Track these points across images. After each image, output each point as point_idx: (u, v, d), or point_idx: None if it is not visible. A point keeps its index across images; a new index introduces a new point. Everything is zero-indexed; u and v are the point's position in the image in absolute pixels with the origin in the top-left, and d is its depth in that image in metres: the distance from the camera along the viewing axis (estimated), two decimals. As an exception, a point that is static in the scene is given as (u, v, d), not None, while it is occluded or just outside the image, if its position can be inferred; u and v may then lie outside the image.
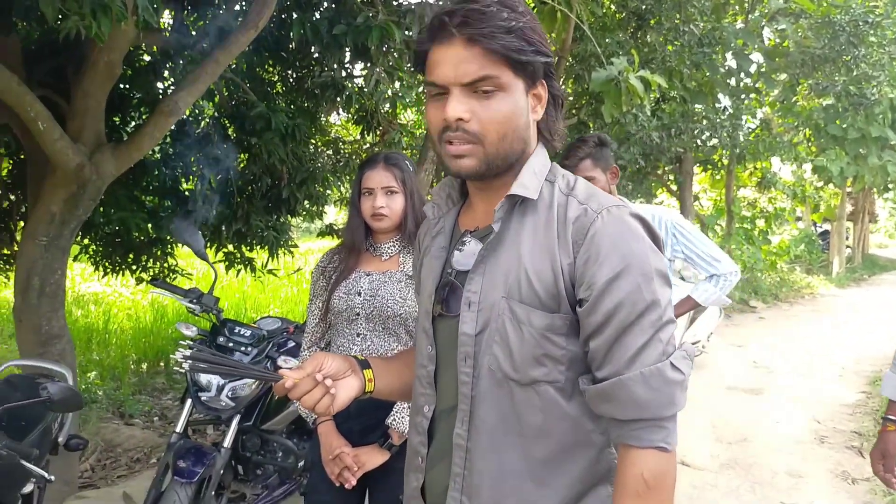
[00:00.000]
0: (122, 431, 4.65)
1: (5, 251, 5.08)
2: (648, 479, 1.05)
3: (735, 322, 10.32)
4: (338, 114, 6.34)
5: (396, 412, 2.05)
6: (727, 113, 10.15)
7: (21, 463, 1.79)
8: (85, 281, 9.58)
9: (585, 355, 1.12)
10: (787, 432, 5.15)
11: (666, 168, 11.93)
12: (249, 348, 2.79)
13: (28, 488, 2.05)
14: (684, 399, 1.08)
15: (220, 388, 2.64)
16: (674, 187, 12.80)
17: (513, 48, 1.06)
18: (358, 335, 2.10)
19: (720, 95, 9.59)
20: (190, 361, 1.11)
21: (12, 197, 5.12)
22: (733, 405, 5.83)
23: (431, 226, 1.30)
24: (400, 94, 5.08)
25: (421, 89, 9.08)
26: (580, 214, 1.11)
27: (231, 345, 2.79)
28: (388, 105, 5.31)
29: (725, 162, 12.66)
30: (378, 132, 5.61)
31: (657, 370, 1.05)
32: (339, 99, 5.03)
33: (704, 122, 9.88)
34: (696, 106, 9.13)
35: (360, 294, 2.10)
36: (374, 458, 2.04)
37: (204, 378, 2.65)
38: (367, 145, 6.92)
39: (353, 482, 2.02)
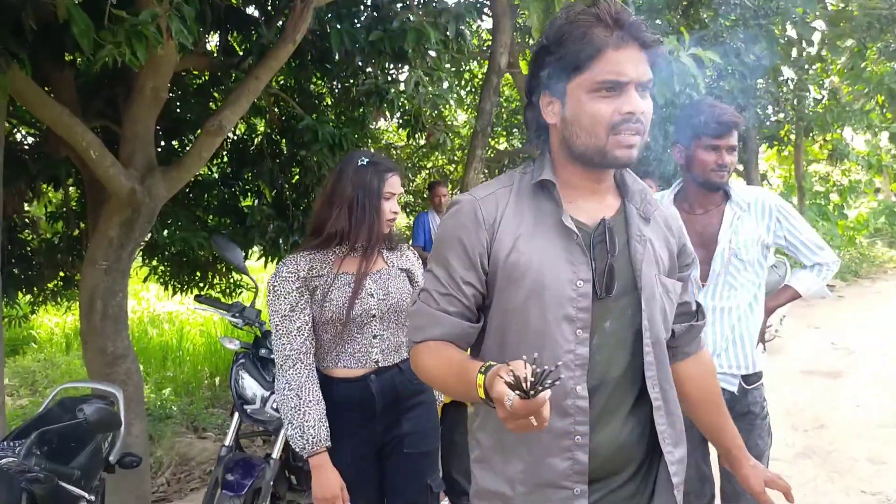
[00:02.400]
0: (195, 445, 4.79)
1: (77, 277, 5.31)
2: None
3: (811, 302, 9.81)
4: (385, 119, 6.38)
5: None
6: (791, 85, 9.71)
7: (60, 485, 1.84)
8: (160, 301, 9.94)
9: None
10: (869, 417, 4.87)
11: (730, 148, 11.50)
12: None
13: (78, 509, 2.10)
14: None
15: (265, 400, 2.67)
16: (739, 167, 12.34)
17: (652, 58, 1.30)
18: (374, 337, 2.10)
19: (783, 67, 9.19)
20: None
21: (82, 225, 5.35)
22: (810, 390, 5.55)
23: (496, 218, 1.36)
24: (440, 95, 5.05)
25: (465, 91, 9.07)
26: (657, 206, 1.47)
27: (273, 356, 2.81)
28: (429, 108, 5.29)
29: (792, 137, 12.13)
30: (424, 134, 5.61)
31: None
32: (383, 105, 5.05)
33: (767, 96, 9.48)
34: (759, 80, 8.77)
35: (373, 296, 2.08)
36: None
37: (249, 391, 2.68)
38: (418, 148, 6.94)
39: None
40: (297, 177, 5.58)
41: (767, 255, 2.29)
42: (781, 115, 10.05)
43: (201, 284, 5.70)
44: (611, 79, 1.24)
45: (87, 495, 1.94)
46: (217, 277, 5.86)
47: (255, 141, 5.66)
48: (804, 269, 2.41)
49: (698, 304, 1.59)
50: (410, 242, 6.39)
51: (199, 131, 5.13)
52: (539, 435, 1.23)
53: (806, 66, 10.07)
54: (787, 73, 9.87)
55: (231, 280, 6.00)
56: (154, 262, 5.56)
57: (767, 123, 10.53)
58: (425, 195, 7.98)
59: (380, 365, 2.10)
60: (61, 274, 5.38)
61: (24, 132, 5.17)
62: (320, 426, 2.03)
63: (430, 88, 4.74)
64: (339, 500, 2.01)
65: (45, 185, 5.03)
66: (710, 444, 2.34)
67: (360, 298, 2.06)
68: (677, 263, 1.44)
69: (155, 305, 9.95)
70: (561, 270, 1.30)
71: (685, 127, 2.24)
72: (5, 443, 2.02)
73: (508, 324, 1.33)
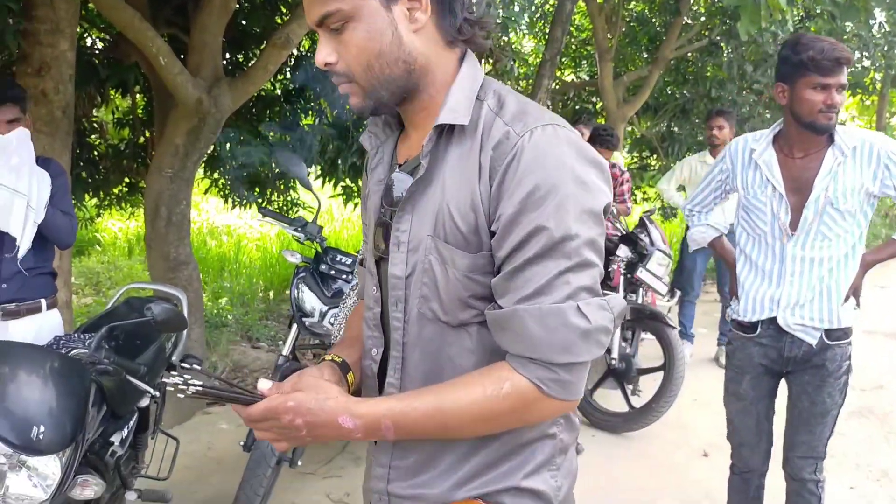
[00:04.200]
0: (248, 354, 4.97)
1: (142, 184, 5.45)
2: (506, 393, 0.97)
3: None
4: (451, 43, 6.22)
5: None
6: (883, 30, 9.09)
7: (127, 378, 1.93)
8: (218, 213, 10.17)
9: None
10: (932, 380, 4.72)
11: (808, 94, 10.95)
12: (350, 276, 2.85)
13: (144, 402, 2.21)
14: (589, 351, 0.95)
15: (323, 315, 2.72)
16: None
17: None
18: None
19: (876, 10, 8.58)
20: (185, 389, 1.04)
21: (147, 133, 5.45)
22: (871, 350, 5.40)
23: (371, 157, 1.19)
24: (510, 18, 4.87)
25: (538, 15, 8.76)
26: (502, 138, 0.98)
27: (333, 272, 2.85)
28: (499, 31, 5.12)
29: (878, 85, 11.44)
30: (490, 60, 5.46)
31: (557, 310, 0.93)
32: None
33: (855, 40, 8.90)
34: (847, 24, 8.22)
35: None
36: None
37: (308, 304, 2.74)
38: (482, 76, 6.78)
39: None
40: (358, 97, 5.53)
41: (874, 204, 2.12)
42: (869, 62, 9.44)
43: (260, 200, 5.79)
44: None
45: (152, 391, 2.03)
46: (276, 194, 5.94)
47: (320, 58, 5.61)
48: None
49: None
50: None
51: (264, 44, 5.13)
52: (363, 388, 1.18)
53: (902, 10, 9.39)
54: (880, 16, 9.23)
55: (289, 198, 6.08)
56: (215, 175, 5.66)
57: (853, 69, 9.94)
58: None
59: None
60: (126, 180, 5.52)
61: (94, 36, 5.21)
62: (339, 326, 2.21)
63: (500, 10, 4.57)
64: None
65: (112, 91, 5.10)
66: (775, 399, 2.29)
67: None
68: (487, 229, 0.99)
69: (214, 218, 10.19)
70: (371, 218, 1.16)
71: (787, 65, 2.03)
72: (76, 335, 2.12)
73: None
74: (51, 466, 1.51)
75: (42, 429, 1.53)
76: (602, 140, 4.71)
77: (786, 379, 2.24)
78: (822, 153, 2.07)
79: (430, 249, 1.02)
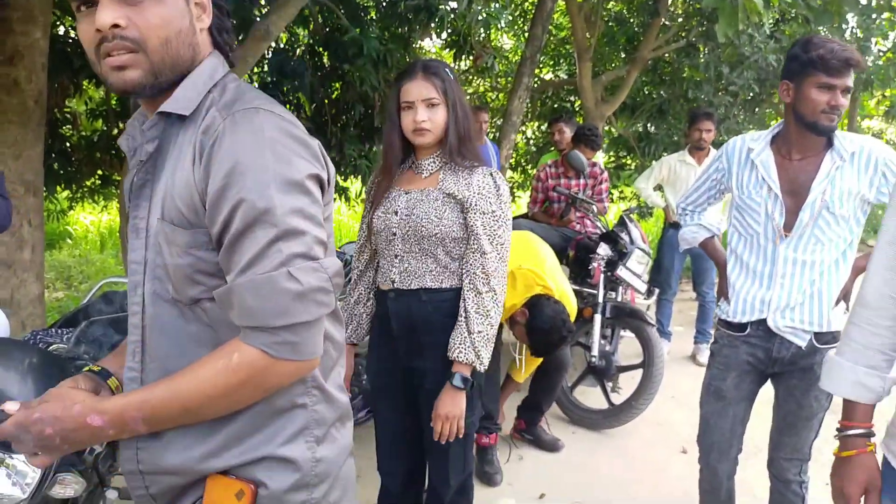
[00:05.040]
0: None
1: (116, 176, 5.34)
2: (236, 364, 1.01)
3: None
4: (430, 39, 6.20)
5: (455, 342, 1.97)
6: (854, 35, 9.25)
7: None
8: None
9: None
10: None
11: (781, 96, 11.10)
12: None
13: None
14: (307, 311, 1.01)
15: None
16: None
17: None
18: (395, 256, 2.04)
19: (848, 15, 8.73)
20: None
21: (120, 125, 5.34)
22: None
23: (129, 159, 1.19)
24: (492, 15, 4.87)
25: (518, 13, 8.77)
26: (210, 122, 1.03)
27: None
28: (481, 28, 5.11)
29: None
30: (471, 57, 5.45)
31: (268, 278, 0.98)
32: (431, 22, 4.89)
33: (828, 44, 9.04)
34: (820, 28, 8.35)
35: (396, 213, 2.01)
36: (455, 404, 2.00)
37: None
38: (461, 72, 6.77)
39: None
40: (337, 92, 5.48)
41: (867, 211, 2.10)
42: (840, 66, 9.60)
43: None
44: None
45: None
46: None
47: (297, 52, 5.55)
48: None
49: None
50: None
51: (242, 36, 5.06)
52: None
53: (873, 16, 9.56)
54: (852, 21, 9.39)
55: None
56: (192, 167, 5.57)
57: (824, 73, 10.10)
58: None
59: (395, 286, 2.05)
60: (99, 172, 5.41)
61: (67, 25, 5.10)
62: (346, 323, 2.20)
63: (483, 8, 4.56)
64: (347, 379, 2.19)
65: (86, 82, 4.99)
66: (752, 406, 2.29)
67: (385, 214, 2.03)
68: (202, 207, 1.02)
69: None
70: None
71: (795, 62, 2.01)
72: (53, 329, 2.06)
73: None
74: (30, 465, 1.47)
75: (21, 426, 1.49)
76: (586, 140, 4.71)
77: (772, 381, 2.24)
78: (821, 157, 2.05)
79: (160, 232, 1.06)
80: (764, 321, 2.12)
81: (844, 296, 2.14)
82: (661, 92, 8.44)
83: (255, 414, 1.08)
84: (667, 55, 8.10)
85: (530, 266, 2.91)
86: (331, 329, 1.17)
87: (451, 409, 1.99)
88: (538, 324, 2.76)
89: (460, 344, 1.96)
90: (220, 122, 1.02)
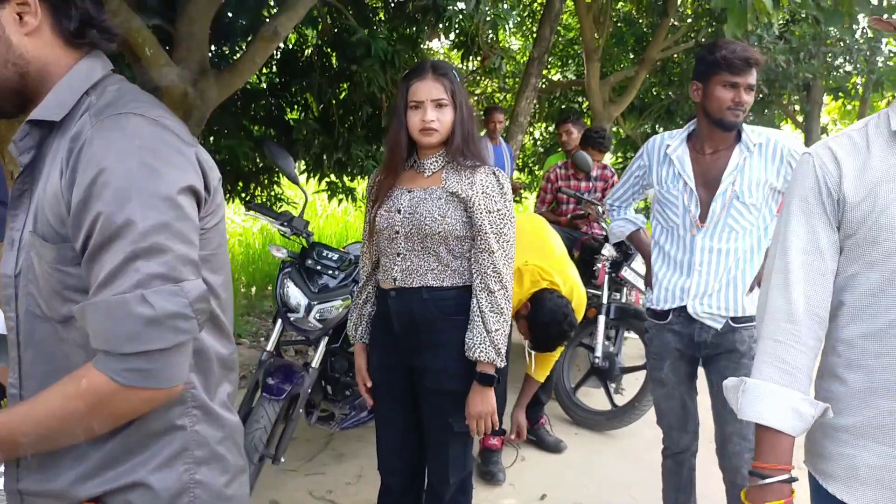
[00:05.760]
0: (231, 349, 4.92)
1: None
2: (83, 390, 0.94)
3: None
4: (438, 40, 6.22)
5: (475, 342, 1.98)
6: (865, 36, 9.19)
7: None
8: (201, 207, 10.10)
9: None
10: None
11: (792, 97, 11.05)
12: (336, 272, 2.84)
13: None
14: (162, 338, 0.93)
15: (308, 310, 2.70)
16: (799, 118, 11.87)
17: None
18: (398, 254, 2.06)
19: (859, 15, 8.68)
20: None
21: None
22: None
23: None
24: (500, 16, 4.87)
25: (526, 13, 8.76)
26: (79, 129, 0.97)
27: (319, 267, 2.84)
28: (489, 29, 5.12)
29: (860, 90, 11.56)
30: (479, 58, 5.45)
31: (120, 300, 0.91)
32: (439, 23, 4.90)
33: (839, 45, 9.00)
34: (831, 28, 8.31)
35: (399, 212, 2.03)
36: (485, 402, 2.03)
37: (293, 299, 2.71)
38: (468, 73, 6.78)
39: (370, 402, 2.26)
40: (345, 92, 5.50)
41: (779, 200, 2.22)
42: (851, 67, 9.55)
43: (243, 194, 5.74)
44: None
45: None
46: (259, 189, 5.90)
47: (306, 53, 5.58)
48: None
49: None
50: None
51: (249, 38, 5.09)
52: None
53: (885, 16, 9.50)
54: (864, 21, 9.33)
55: (273, 193, 6.04)
56: (199, 168, 5.61)
57: (835, 74, 10.04)
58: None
59: (397, 284, 2.07)
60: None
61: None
62: (357, 324, 2.25)
63: (491, 8, 4.57)
64: (363, 377, 2.25)
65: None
66: (696, 382, 2.39)
67: (388, 213, 2.05)
68: (70, 220, 0.96)
69: (196, 211, 10.12)
70: None
71: (702, 64, 2.18)
72: None
73: None
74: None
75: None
76: (594, 142, 4.71)
77: (704, 371, 2.34)
78: (731, 150, 2.21)
79: (31, 245, 1.01)
80: (684, 308, 2.26)
81: (759, 282, 2.23)
82: (670, 93, 8.43)
83: (128, 436, 1.02)
84: (676, 55, 8.08)
85: (536, 261, 2.91)
86: (215, 345, 1.10)
87: (483, 406, 2.03)
88: (538, 317, 2.75)
89: (480, 343, 1.98)
90: (89, 128, 0.96)
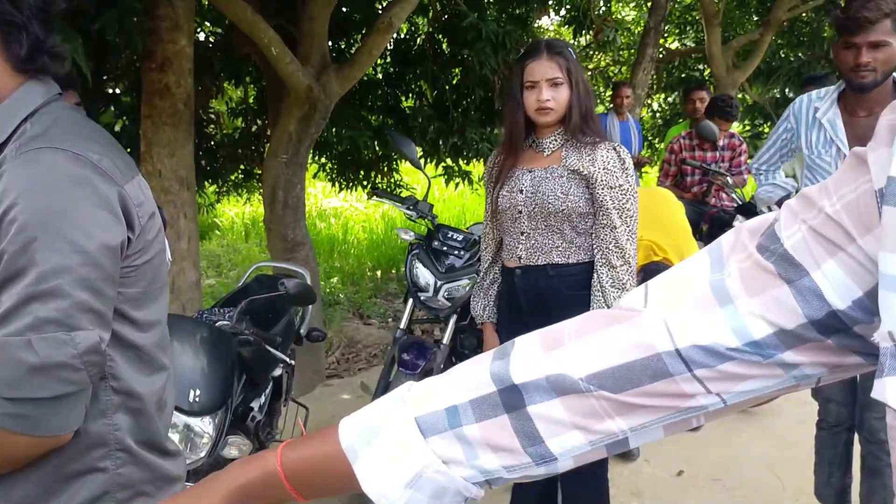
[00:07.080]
0: (361, 330, 5.14)
1: (257, 170, 5.71)
2: None
3: None
4: (548, 17, 6.14)
5: None
6: None
7: (266, 348, 2.06)
8: (326, 197, 10.52)
9: None
10: None
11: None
12: (462, 251, 2.91)
13: (277, 372, 2.34)
14: (45, 386, 0.88)
15: (437, 289, 2.79)
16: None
17: None
18: (522, 233, 2.08)
19: None
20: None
21: (259, 122, 5.69)
22: None
23: None
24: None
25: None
26: (2, 160, 0.93)
27: (445, 248, 2.92)
28: (601, 2, 5.00)
29: None
30: (591, 32, 5.35)
31: (5, 343, 0.87)
32: (549, 1, 4.85)
33: None
34: None
35: (521, 191, 2.05)
36: None
37: (422, 279, 2.81)
38: (581, 48, 6.65)
39: None
40: (457, 77, 5.56)
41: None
42: None
43: (365, 182, 5.94)
44: None
45: (287, 359, 2.16)
46: (380, 176, 6.08)
47: (418, 41, 5.67)
48: None
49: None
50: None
51: (364, 30, 5.24)
52: None
53: None
54: None
55: (392, 179, 6.21)
56: (323, 160, 5.86)
57: None
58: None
59: (522, 262, 2.09)
60: (242, 167, 5.81)
61: (206, 31, 5.49)
62: (484, 304, 2.27)
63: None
64: None
65: (226, 83, 5.36)
66: None
67: (510, 193, 2.07)
68: None
69: (322, 201, 10.55)
70: None
71: (833, 27, 2.06)
72: (216, 309, 2.28)
73: None
74: (206, 427, 1.64)
75: (198, 392, 1.66)
76: (720, 111, 4.52)
77: None
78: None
79: None
80: None
81: None
82: (800, 54, 7.91)
83: (44, 477, 0.98)
84: (804, 15, 7.56)
85: (651, 237, 2.86)
86: (135, 386, 1.03)
87: None
88: None
89: None
90: (10, 161, 0.92)
